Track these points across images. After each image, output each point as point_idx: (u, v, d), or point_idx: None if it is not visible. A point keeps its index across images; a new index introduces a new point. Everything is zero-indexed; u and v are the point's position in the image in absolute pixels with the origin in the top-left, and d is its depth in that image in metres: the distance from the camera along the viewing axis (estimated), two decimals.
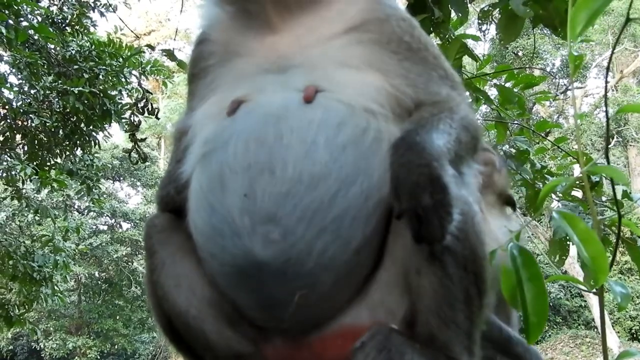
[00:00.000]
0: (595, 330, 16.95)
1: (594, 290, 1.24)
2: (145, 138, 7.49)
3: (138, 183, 21.55)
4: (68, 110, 6.49)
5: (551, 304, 16.72)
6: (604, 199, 3.14)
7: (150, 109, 6.62)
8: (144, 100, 6.63)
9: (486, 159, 2.20)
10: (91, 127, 6.79)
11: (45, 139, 6.94)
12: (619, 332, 16.47)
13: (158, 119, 7.03)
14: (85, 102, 6.32)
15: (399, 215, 1.11)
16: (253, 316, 1.31)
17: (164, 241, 1.42)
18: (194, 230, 1.34)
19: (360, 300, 1.27)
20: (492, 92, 3.46)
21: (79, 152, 7.29)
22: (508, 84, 3.15)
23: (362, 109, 1.28)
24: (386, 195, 1.22)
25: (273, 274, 1.19)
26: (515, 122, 3.24)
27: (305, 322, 1.27)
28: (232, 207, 1.21)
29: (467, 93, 2.86)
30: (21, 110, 6.46)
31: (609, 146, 1.49)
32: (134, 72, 6.76)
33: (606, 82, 2.04)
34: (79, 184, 7.61)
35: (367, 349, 1.17)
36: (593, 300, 14.06)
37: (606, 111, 1.72)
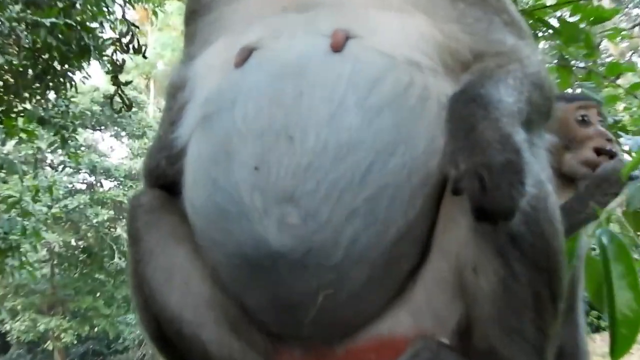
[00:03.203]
0: None
1: None
2: (131, 81, 7.53)
3: (123, 133, 21.76)
4: (39, 46, 6.48)
5: None
6: None
7: (137, 45, 6.63)
8: (130, 35, 6.63)
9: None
10: (66, 67, 6.80)
11: (11, 80, 6.97)
12: None
13: (146, 57, 7.06)
14: (59, 36, 6.31)
15: (455, 185, 1.07)
16: (264, 321, 1.32)
17: (153, 225, 1.43)
18: (190, 211, 1.34)
19: (401, 304, 1.27)
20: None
21: (51, 96, 7.33)
22: (572, 19, 3.13)
23: (404, 61, 1.27)
24: (434, 170, 1.21)
25: (290, 267, 1.19)
26: (582, 64, 3.24)
27: (330, 329, 1.27)
28: (239, 183, 1.20)
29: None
30: None
31: None
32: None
33: None
34: (51, 134, 7.67)
35: None
36: None
37: None
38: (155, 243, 1.41)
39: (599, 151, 2.22)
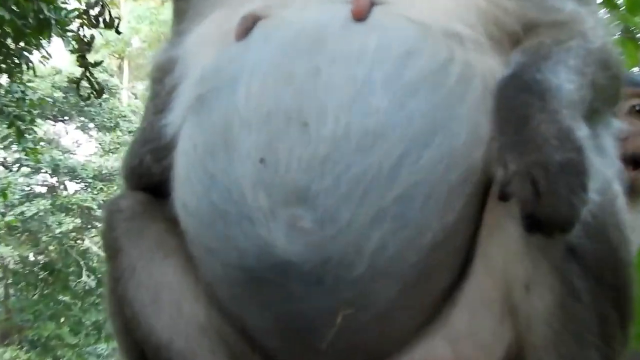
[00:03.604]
0: None
1: None
2: (101, 61, 7.55)
3: (91, 125, 21.82)
4: None
5: None
6: None
7: (108, 19, 6.65)
8: (99, 6, 6.65)
9: None
10: (22, 45, 6.84)
11: None
12: None
13: (119, 33, 7.08)
14: (13, 8, 6.33)
15: (503, 189, 1.08)
16: (270, 347, 1.33)
17: (135, 234, 1.44)
18: (182, 215, 1.35)
19: (437, 328, 1.27)
20: None
21: (4, 80, 7.38)
22: None
23: (441, 32, 1.26)
24: (478, 165, 1.21)
25: (303, 281, 1.19)
26: None
27: (350, 358, 1.27)
28: (241, 179, 1.20)
29: None
30: None
31: None
32: None
33: None
34: (4, 126, 7.71)
35: None
36: None
37: None
38: (138, 256, 1.41)
39: None
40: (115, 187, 16.98)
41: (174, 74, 1.46)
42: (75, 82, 7.05)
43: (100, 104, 19.56)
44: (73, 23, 6.76)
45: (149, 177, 1.50)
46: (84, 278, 19.55)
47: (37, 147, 8.86)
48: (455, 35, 1.26)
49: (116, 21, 6.77)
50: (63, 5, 6.77)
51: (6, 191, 9.37)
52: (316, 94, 1.19)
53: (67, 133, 22.56)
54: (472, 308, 1.25)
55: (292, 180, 1.17)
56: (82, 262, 19.42)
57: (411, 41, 1.24)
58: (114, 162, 18.05)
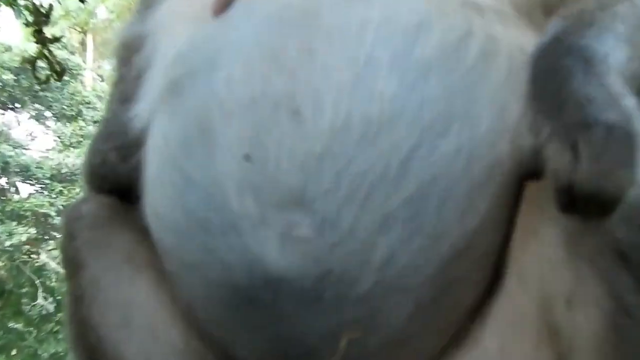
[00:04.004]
0: None
1: None
2: (61, 36, 7.53)
3: (47, 114, 21.67)
4: None
5: None
6: None
7: None
8: None
9: None
10: None
11: None
12: None
13: (83, 1, 7.05)
14: None
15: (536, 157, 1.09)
16: None
17: (100, 245, 1.45)
18: (154, 225, 1.36)
19: (461, 353, 1.29)
20: None
21: None
22: None
23: (457, 1, 1.27)
24: (506, 156, 1.22)
25: (300, 300, 1.20)
26: None
27: None
28: (223, 180, 1.22)
29: None
30: None
31: None
32: None
33: None
34: None
35: None
36: None
37: None
38: (104, 271, 1.43)
39: None
40: (77, 190, 16.77)
41: (142, 53, 1.47)
42: (29, 62, 7.02)
43: (59, 88, 19.45)
44: None
45: (114, 178, 1.51)
46: (40, 300, 19.37)
47: None
48: (474, 4, 1.27)
49: None
50: None
51: None
52: (310, 77, 1.20)
53: (18, 124, 22.36)
54: (504, 329, 1.25)
55: (284, 180, 1.18)
56: (37, 282, 19.24)
57: (422, 13, 1.25)
58: (76, 159, 17.80)
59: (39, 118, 21.78)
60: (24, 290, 19.70)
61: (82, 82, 21.83)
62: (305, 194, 1.17)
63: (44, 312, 19.28)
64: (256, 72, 1.23)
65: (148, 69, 1.44)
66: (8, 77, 18.90)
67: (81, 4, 7.74)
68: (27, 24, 6.93)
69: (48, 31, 6.77)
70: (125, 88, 1.52)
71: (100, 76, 23.59)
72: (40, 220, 19.48)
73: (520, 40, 1.27)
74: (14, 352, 20.26)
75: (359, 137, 1.18)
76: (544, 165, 1.08)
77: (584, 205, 1.02)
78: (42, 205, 19.15)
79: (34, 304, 19.63)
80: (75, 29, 24.18)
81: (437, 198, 1.19)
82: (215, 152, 1.23)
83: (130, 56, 1.53)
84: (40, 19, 6.67)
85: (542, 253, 1.20)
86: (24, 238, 19.12)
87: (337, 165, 1.17)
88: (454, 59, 1.24)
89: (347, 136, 1.18)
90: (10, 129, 21.83)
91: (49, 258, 18.93)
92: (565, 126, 1.05)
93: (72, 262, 1.46)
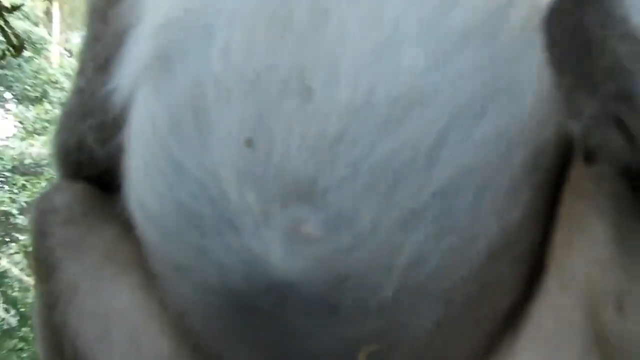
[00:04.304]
0: None
1: None
2: (21, 4, 7.56)
3: (7, 95, 21.77)
4: None
5: None
6: None
7: None
8: None
9: None
10: None
11: None
12: None
13: None
14: None
15: (585, 146, 1.06)
16: None
17: (76, 243, 1.45)
18: (140, 220, 1.36)
19: None
20: None
21: None
22: None
23: None
24: (551, 141, 1.22)
25: (309, 310, 1.20)
26: None
27: None
28: (220, 170, 1.21)
29: None
30: None
31: None
32: None
33: None
34: None
35: None
36: None
37: None
38: (81, 274, 1.42)
39: None
40: (43, 184, 16.81)
41: (122, 11, 1.45)
42: None
43: (20, 66, 19.51)
44: None
45: (91, 164, 1.51)
46: (1, 313, 19.55)
47: None
48: None
49: None
50: None
51: None
52: (324, 47, 1.19)
53: None
54: (544, 338, 1.25)
55: (291, 170, 1.17)
56: None
57: None
58: (42, 148, 17.88)
59: None
60: None
61: (47, 58, 21.87)
62: (316, 186, 1.17)
63: (5, 326, 19.38)
64: (258, 42, 1.22)
65: (130, 27, 1.42)
66: None
67: None
68: None
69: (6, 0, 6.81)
70: (101, 51, 1.51)
71: (69, 51, 23.55)
72: (1, 220, 19.56)
73: None
74: None
75: (381, 119, 1.17)
76: (591, 148, 1.05)
77: None
78: (1, 202, 19.22)
79: None
80: None
81: (473, 190, 1.19)
82: (211, 136, 1.22)
83: (107, 7, 1.51)
84: None
85: (589, 250, 1.20)
86: None
87: (355, 152, 1.16)
88: (494, 27, 1.23)
89: (367, 117, 1.17)
90: None
91: (11, 264, 19.02)
92: (605, 101, 1.02)
93: (44, 264, 1.45)
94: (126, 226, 1.39)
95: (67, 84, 18.62)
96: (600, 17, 1.07)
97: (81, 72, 1.59)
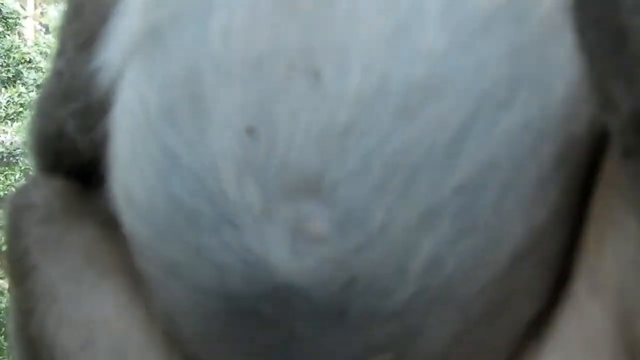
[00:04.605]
0: None
1: None
2: None
3: None
4: None
5: None
6: None
7: None
8: None
9: None
10: None
11: None
12: None
13: None
14: None
15: (623, 143, 1.08)
16: None
17: (55, 243, 1.45)
18: (127, 216, 1.36)
19: None
20: None
21: None
22: None
23: None
24: (582, 132, 1.22)
25: (315, 315, 1.21)
26: None
27: None
28: (219, 161, 1.21)
29: None
30: None
31: None
32: None
33: None
34: None
35: None
36: None
37: None
38: (61, 277, 1.42)
39: None
40: (18, 175, 16.73)
41: None
42: None
43: None
44: None
45: (72, 154, 1.50)
46: None
47: None
48: None
49: None
50: None
51: None
52: (334, 28, 1.19)
53: None
54: (571, 349, 1.26)
55: (296, 161, 1.17)
56: None
57: None
58: (15, 135, 17.81)
59: None
60: None
61: (20, 35, 21.75)
62: (323, 180, 1.16)
63: None
64: (263, 19, 1.22)
65: (115, 12, 1.39)
66: None
67: None
68: None
69: None
70: (83, 26, 1.49)
71: (45, 27, 23.46)
72: None
73: None
74: None
75: (397, 107, 1.16)
76: (629, 145, 1.07)
77: None
78: None
79: None
80: None
81: (497, 186, 1.19)
82: (208, 124, 1.22)
83: None
84: None
85: (622, 252, 1.20)
86: None
87: (367, 143, 1.16)
88: (523, 8, 1.22)
89: (381, 105, 1.16)
90: None
91: None
92: None
93: (20, 266, 1.45)
94: (111, 224, 1.39)
95: (43, 64, 18.48)
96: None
97: (61, 50, 1.58)
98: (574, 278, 1.27)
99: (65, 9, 1.62)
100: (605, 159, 1.23)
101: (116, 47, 1.39)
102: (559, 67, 1.22)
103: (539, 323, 1.29)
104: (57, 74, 1.57)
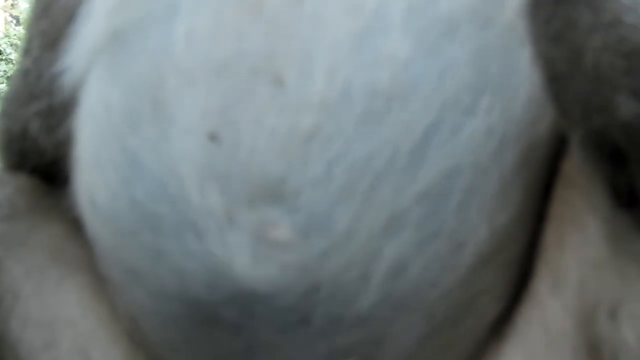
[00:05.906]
0: None
1: None
2: None
3: None
4: None
5: None
6: None
7: None
8: None
9: None
10: None
11: None
12: None
13: None
14: None
15: (583, 152, 1.07)
16: None
17: (18, 242, 1.44)
18: (89, 218, 1.35)
19: None
20: None
21: None
22: None
23: None
24: (545, 136, 1.22)
25: (278, 322, 1.20)
26: None
27: None
28: (181, 165, 1.21)
29: None
30: None
31: None
32: None
33: None
34: None
35: None
36: None
37: None
38: (25, 276, 1.41)
39: None
40: None
41: None
42: None
43: None
44: None
45: (36, 154, 1.50)
46: None
47: None
48: None
49: None
50: None
51: None
52: (297, 33, 1.18)
53: None
54: (533, 346, 1.26)
55: (259, 167, 1.16)
56: None
57: None
58: None
59: None
60: None
61: None
62: (286, 186, 1.16)
63: None
64: (227, 25, 1.21)
65: (81, 4, 1.39)
66: None
67: None
68: None
69: None
70: (50, 26, 1.49)
71: (16, 18, 23.35)
72: None
73: None
74: None
75: (360, 113, 1.16)
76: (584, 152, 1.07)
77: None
78: None
79: None
80: None
81: (461, 191, 1.19)
82: (171, 129, 1.21)
83: None
84: None
85: (583, 252, 1.20)
86: None
87: (330, 149, 1.16)
88: (487, 15, 1.22)
89: (345, 111, 1.16)
90: None
91: None
92: (593, 120, 1.00)
93: None
94: (75, 223, 1.38)
95: (14, 56, 18.39)
96: (589, 15, 1.01)
97: (27, 49, 1.57)
98: (535, 277, 1.28)
99: (34, 5, 1.61)
100: (564, 159, 1.25)
101: (81, 49, 1.38)
102: (522, 71, 1.22)
103: (502, 322, 1.30)
104: (24, 73, 1.56)
